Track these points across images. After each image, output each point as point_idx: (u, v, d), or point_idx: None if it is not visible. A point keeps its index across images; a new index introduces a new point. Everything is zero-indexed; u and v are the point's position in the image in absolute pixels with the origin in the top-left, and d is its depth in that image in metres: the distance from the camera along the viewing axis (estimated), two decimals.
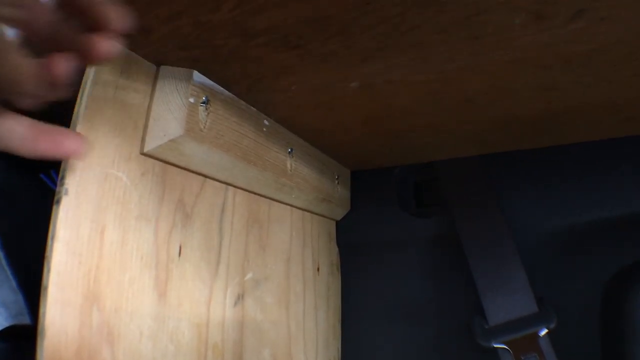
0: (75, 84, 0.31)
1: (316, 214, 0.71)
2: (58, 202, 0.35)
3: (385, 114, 0.53)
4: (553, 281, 0.61)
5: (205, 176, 0.49)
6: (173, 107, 0.42)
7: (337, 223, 0.78)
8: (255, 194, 0.57)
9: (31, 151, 0.29)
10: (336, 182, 0.72)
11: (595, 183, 0.61)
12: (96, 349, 0.35)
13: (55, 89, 0.28)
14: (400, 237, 0.72)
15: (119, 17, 0.27)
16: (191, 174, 0.47)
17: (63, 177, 0.35)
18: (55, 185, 0.36)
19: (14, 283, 0.45)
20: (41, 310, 0.32)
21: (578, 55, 0.39)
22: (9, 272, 0.45)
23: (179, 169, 0.46)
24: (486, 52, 0.39)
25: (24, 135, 0.29)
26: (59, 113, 0.39)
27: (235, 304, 0.51)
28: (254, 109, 0.52)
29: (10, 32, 0.25)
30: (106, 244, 0.37)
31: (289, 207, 0.64)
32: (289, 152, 0.59)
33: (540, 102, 0.49)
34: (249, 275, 0.54)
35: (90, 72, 0.38)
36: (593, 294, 0.59)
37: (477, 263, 0.62)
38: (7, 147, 0.29)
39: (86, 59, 0.28)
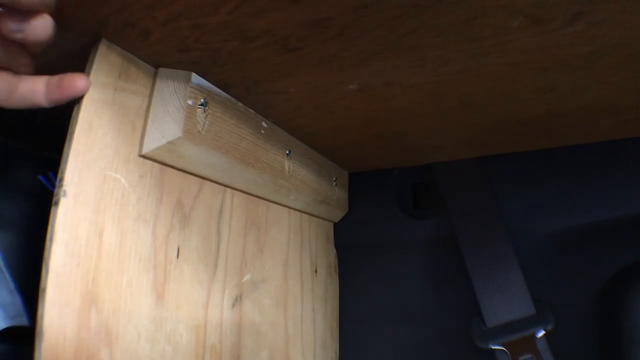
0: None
1: (314, 215, 0.71)
2: (56, 203, 0.34)
3: (384, 116, 0.53)
4: (550, 283, 0.62)
5: (204, 178, 0.49)
6: (171, 109, 0.42)
7: (335, 225, 0.78)
8: (253, 195, 0.57)
9: (52, 101, 0.36)
10: (334, 184, 0.72)
11: (593, 185, 0.61)
12: (94, 351, 0.35)
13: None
14: (399, 239, 0.72)
15: None
16: (189, 175, 0.47)
17: (61, 179, 0.35)
18: (54, 187, 0.36)
19: (11, 284, 0.45)
20: (39, 312, 0.32)
21: (576, 58, 0.40)
22: (7, 274, 0.45)
23: (177, 171, 0.46)
24: (484, 54, 0.39)
25: (44, 90, 0.36)
26: (58, 114, 0.40)
27: (233, 305, 0.51)
28: (252, 111, 0.52)
29: None
30: (104, 245, 0.37)
31: (286, 208, 0.64)
32: (287, 154, 0.59)
33: (539, 104, 0.49)
34: (246, 277, 0.54)
35: (89, 74, 0.38)
36: (590, 295, 0.59)
37: (474, 265, 0.62)
38: (34, 104, 0.36)
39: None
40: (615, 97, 0.47)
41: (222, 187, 0.52)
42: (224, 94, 0.48)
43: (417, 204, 0.76)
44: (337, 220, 0.77)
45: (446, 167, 0.69)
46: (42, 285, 0.33)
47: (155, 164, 0.43)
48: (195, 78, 0.44)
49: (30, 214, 0.50)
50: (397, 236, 0.72)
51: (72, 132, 0.36)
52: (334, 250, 0.76)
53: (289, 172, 0.59)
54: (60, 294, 0.33)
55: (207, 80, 0.46)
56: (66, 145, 0.36)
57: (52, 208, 0.35)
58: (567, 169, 0.63)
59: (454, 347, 0.65)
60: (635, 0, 0.32)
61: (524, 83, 0.44)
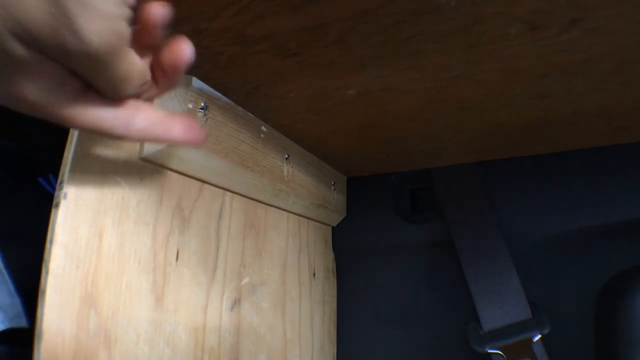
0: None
1: (312, 219, 0.71)
2: (57, 206, 0.35)
3: (382, 121, 0.54)
4: (546, 287, 0.62)
5: (203, 181, 0.49)
6: None
7: (333, 229, 0.78)
8: (252, 199, 0.57)
9: (165, 139, 0.32)
10: (332, 188, 0.72)
11: (588, 190, 0.61)
12: (93, 353, 0.35)
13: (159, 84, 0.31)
14: (396, 243, 0.73)
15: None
16: (189, 179, 0.48)
17: (62, 182, 0.35)
18: (54, 189, 0.36)
19: (11, 286, 0.45)
20: (39, 313, 0.33)
21: (572, 64, 0.40)
22: (6, 275, 0.45)
23: (177, 174, 0.46)
24: (481, 61, 0.40)
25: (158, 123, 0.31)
26: None
27: (232, 308, 0.51)
28: (252, 116, 0.53)
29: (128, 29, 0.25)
30: (104, 248, 0.37)
31: (285, 212, 0.65)
32: (286, 159, 0.59)
33: (535, 110, 0.50)
34: (245, 280, 0.54)
35: None
36: (587, 299, 0.59)
37: (471, 269, 0.62)
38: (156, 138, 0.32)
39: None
40: (611, 104, 0.48)
41: (222, 191, 0.52)
42: (224, 98, 0.48)
43: (414, 208, 0.76)
44: (335, 224, 0.78)
45: (443, 172, 0.69)
46: (41, 286, 0.33)
47: (156, 167, 0.44)
48: (196, 82, 0.44)
49: (31, 216, 0.50)
50: (394, 240, 0.73)
51: (73, 134, 0.37)
52: (332, 254, 0.77)
53: (287, 176, 0.59)
54: (60, 296, 0.33)
55: (208, 85, 0.46)
56: (67, 147, 0.36)
57: (53, 210, 0.35)
58: (563, 174, 0.63)
59: (451, 350, 0.65)
60: (630, 8, 0.33)
61: (521, 89, 0.45)
